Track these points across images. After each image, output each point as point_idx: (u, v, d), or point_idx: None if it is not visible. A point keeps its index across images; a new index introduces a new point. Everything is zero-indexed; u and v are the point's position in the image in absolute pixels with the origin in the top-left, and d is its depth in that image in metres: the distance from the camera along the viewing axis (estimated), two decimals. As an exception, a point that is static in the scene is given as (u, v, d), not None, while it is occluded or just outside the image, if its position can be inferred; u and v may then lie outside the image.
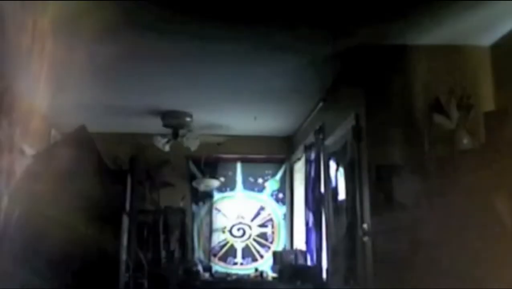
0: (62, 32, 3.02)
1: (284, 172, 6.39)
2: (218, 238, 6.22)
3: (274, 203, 6.36)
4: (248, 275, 5.59)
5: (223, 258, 6.18)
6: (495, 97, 3.33)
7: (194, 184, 6.07)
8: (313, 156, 4.88)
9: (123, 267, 2.92)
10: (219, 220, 6.27)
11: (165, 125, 5.33)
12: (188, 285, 5.13)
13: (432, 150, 3.16)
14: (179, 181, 6.12)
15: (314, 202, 4.79)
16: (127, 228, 3.00)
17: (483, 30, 3.22)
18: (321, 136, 4.62)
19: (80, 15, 2.85)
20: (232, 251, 6.22)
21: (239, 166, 6.38)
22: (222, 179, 6.28)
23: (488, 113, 2.96)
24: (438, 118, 3.16)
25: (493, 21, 3.12)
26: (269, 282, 5.21)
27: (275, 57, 3.74)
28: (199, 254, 6.12)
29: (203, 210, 6.25)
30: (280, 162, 6.39)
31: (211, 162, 6.19)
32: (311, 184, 4.92)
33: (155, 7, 2.94)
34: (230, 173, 6.37)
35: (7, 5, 2.63)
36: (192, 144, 5.48)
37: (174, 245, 5.68)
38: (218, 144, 5.89)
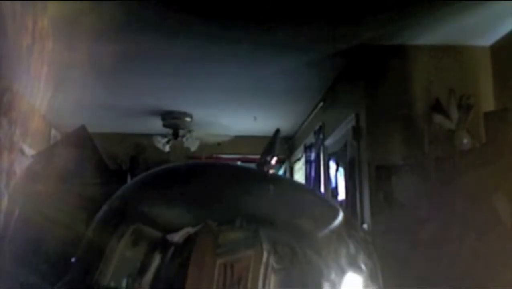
0: (62, 32, 3.01)
1: (284, 172, 6.39)
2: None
3: (274, 203, 6.35)
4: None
5: (223, 258, 6.17)
6: (495, 97, 3.33)
7: (194, 184, 6.05)
8: (313, 156, 4.88)
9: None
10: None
11: (165, 125, 5.33)
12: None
13: (432, 150, 3.16)
14: (179, 181, 6.11)
15: (314, 202, 4.77)
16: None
17: (483, 30, 3.22)
18: (321, 136, 4.62)
19: (80, 15, 2.85)
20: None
21: (239, 166, 6.37)
22: (222, 179, 6.26)
23: (488, 113, 2.96)
24: (438, 118, 3.16)
25: (493, 21, 3.11)
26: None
27: (275, 57, 3.75)
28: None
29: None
30: (280, 162, 6.38)
31: (211, 162, 6.18)
32: (311, 184, 4.92)
33: (155, 7, 2.94)
34: (230, 173, 6.36)
35: (7, 5, 2.62)
36: (192, 144, 5.48)
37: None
38: (218, 144, 5.89)
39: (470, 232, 2.66)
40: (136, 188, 0.64)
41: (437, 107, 3.18)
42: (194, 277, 0.50)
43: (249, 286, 0.50)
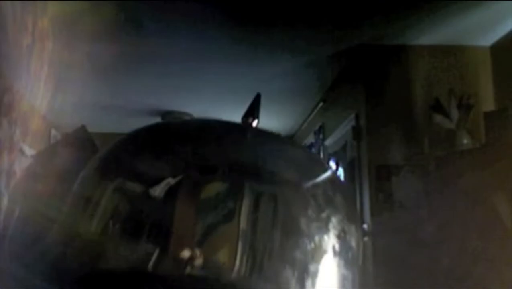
0: (62, 32, 3.02)
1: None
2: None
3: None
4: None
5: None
6: (495, 97, 3.33)
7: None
8: (313, 156, 4.88)
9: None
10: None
11: (165, 125, 5.32)
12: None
13: (432, 150, 3.16)
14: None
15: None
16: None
17: (483, 30, 3.22)
18: (321, 136, 4.62)
19: (80, 15, 2.85)
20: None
21: (239, 166, 6.35)
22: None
23: (488, 113, 2.96)
24: (438, 118, 3.16)
25: (493, 21, 3.12)
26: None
27: (275, 57, 3.75)
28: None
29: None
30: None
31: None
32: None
33: (155, 7, 2.94)
34: (230, 173, 6.35)
35: (7, 5, 2.62)
36: (192, 144, 5.48)
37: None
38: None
39: (470, 232, 2.66)
40: (115, 146, 0.63)
41: (437, 107, 3.18)
42: (178, 228, 0.50)
43: (231, 235, 0.50)
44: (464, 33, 3.26)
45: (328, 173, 0.60)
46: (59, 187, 0.63)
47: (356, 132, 3.58)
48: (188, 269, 0.48)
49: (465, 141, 3.05)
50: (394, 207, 3.22)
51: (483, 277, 2.50)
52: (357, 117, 3.60)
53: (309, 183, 0.56)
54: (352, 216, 0.59)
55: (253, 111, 0.70)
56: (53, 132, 5.09)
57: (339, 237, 0.55)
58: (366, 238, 3.36)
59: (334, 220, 0.55)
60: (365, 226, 3.37)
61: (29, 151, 3.22)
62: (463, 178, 2.75)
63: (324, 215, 0.54)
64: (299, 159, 0.62)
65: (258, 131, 0.67)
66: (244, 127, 0.67)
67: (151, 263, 0.48)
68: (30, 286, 0.59)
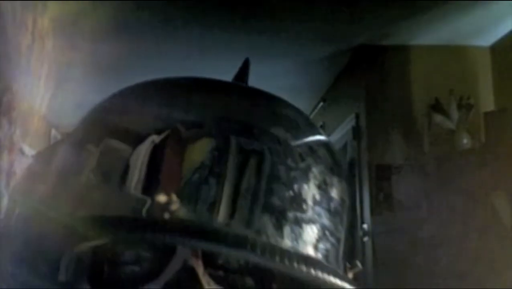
0: (62, 31, 3.02)
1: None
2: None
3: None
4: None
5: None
6: (495, 97, 3.33)
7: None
8: (313, 156, 4.88)
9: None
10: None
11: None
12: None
13: (432, 150, 3.16)
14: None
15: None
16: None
17: (483, 30, 3.22)
18: (321, 136, 4.62)
19: (80, 14, 2.85)
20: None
21: (239, 166, 6.36)
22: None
23: (488, 113, 2.97)
24: (438, 118, 3.16)
25: (493, 21, 3.12)
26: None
27: (275, 57, 3.75)
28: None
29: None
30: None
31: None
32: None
33: (155, 5, 2.94)
34: (230, 173, 6.35)
35: (7, 5, 2.62)
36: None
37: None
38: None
39: (470, 232, 2.66)
40: (100, 107, 0.63)
41: (437, 107, 3.18)
42: (161, 178, 0.50)
43: (214, 185, 0.49)
44: (464, 33, 3.26)
45: (319, 136, 0.60)
46: (59, 187, 0.63)
47: (356, 132, 3.58)
48: (166, 215, 0.48)
49: (465, 141, 3.05)
50: (394, 207, 3.22)
51: (483, 277, 2.50)
52: (357, 117, 3.60)
53: (298, 142, 0.56)
54: (336, 169, 0.58)
55: (242, 75, 0.69)
56: (53, 132, 5.08)
57: (319, 187, 0.55)
58: (366, 238, 3.36)
59: (315, 170, 0.55)
60: (365, 226, 3.37)
61: (29, 151, 3.22)
62: (463, 178, 2.75)
63: (303, 165, 0.54)
64: (291, 120, 0.62)
65: (249, 89, 0.67)
66: (233, 84, 0.66)
67: (139, 211, 0.49)
68: (31, 287, 0.59)
